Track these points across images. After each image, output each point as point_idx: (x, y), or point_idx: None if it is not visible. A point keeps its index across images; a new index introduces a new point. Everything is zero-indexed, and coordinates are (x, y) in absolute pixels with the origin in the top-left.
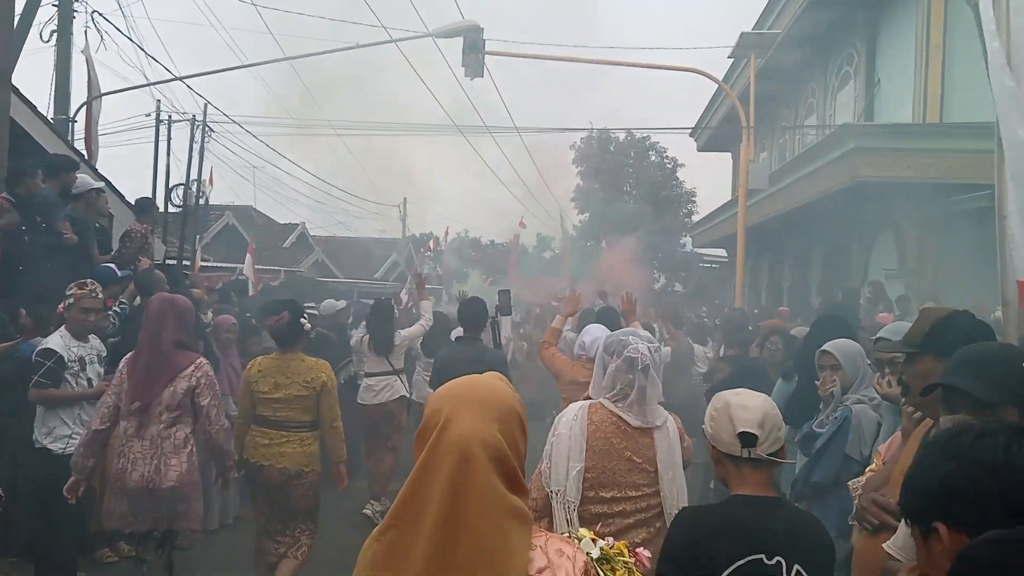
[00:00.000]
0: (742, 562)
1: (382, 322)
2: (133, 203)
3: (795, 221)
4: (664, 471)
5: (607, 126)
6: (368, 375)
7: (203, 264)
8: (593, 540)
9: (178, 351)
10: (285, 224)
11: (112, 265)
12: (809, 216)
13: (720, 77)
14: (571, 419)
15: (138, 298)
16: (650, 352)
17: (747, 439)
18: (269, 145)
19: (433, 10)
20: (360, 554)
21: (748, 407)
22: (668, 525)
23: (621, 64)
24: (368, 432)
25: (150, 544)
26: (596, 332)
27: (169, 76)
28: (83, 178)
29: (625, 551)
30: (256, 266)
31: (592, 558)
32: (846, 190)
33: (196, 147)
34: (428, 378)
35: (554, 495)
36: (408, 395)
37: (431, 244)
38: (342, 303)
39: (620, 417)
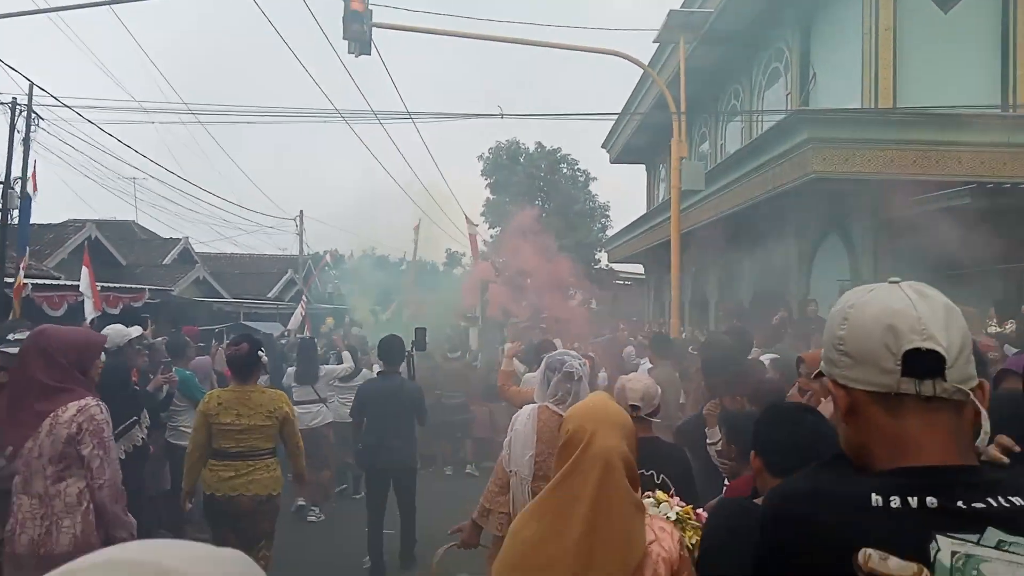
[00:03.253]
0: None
1: (307, 357)
2: None
3: (725, 227)
4: None
5: (517, 114)
6: (298, 403)
7: (45, 282)
8: (669, 504)
9: (47, 393)
10: (167, 239)
11: None
12: (743, 220)
13: (640, 72)
14: (525, 418)
15: None
16: (580, 367)
17: (633, 408)
18: (122, 140)
19: None
20: (511, 535)
21: (635, 389)
22: None
23: (534, 44)
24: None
25: None
26: None
27: None
28: None
29: (692, 512)
30: (99, 284)
31: (671, 520)
32: (795, 189)
33: (19, 138)
34: (343, 401)
35: (513, 474)
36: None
37: (328, 258)
38: (135, 330)
39: (561, 416)
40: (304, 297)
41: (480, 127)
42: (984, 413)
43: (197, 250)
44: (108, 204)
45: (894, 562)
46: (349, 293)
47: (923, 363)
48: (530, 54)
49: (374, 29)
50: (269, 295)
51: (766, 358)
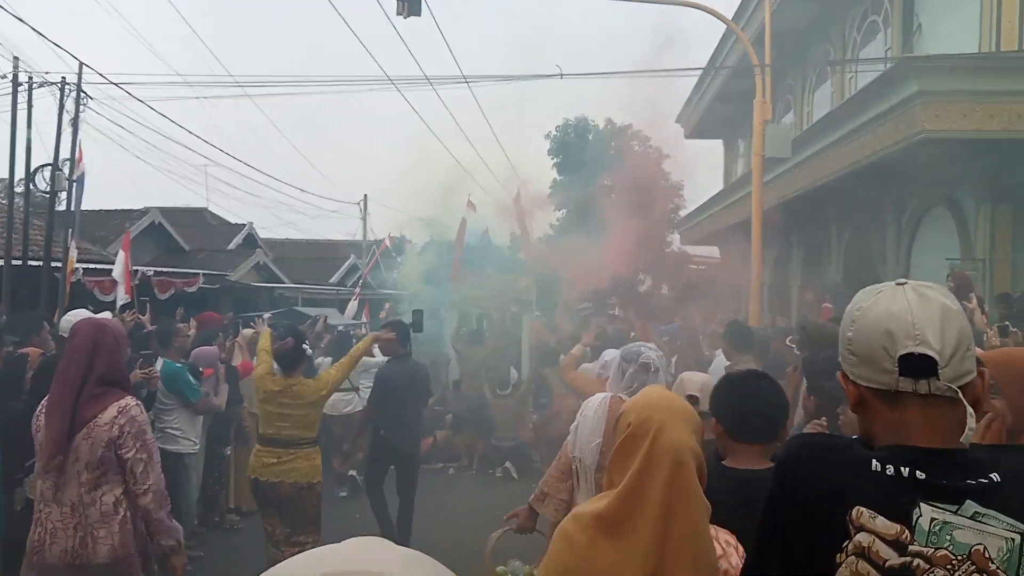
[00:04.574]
0: None
1: (342, 348)
2: None
3: (812, 201)
4: None
5: (579, 73)
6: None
7: (97, 267)
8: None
9: (95, 396)
10: (234, 225)
11: None
12: (833, 192)
13: (719, 37)
14: (596, 405)
15: None
16: (657, 359)
17: (693, 400)
18: (171, 119)
19: None
20: (560, 537)
21: (694, 380)
22: None
23: None
24: (335, 437)
25: None
26: (611, 354)
27: None
28: None
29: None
30: (152, 268)
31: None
32: (899, 153)
33: (68, 119)
34: (367, 387)
35: (576, 460)
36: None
37: (387, 242)
38: (103, 316)
39: None
40: (361, 283)
41: (547, 102)
42: (970, 410)
43: (265, 237)
44: (182, 192)
45: (881, 521)
46: (410, 278)
47: (917, 365)
48: (599, 7)
49: None
50: (331, 281)
51: None
